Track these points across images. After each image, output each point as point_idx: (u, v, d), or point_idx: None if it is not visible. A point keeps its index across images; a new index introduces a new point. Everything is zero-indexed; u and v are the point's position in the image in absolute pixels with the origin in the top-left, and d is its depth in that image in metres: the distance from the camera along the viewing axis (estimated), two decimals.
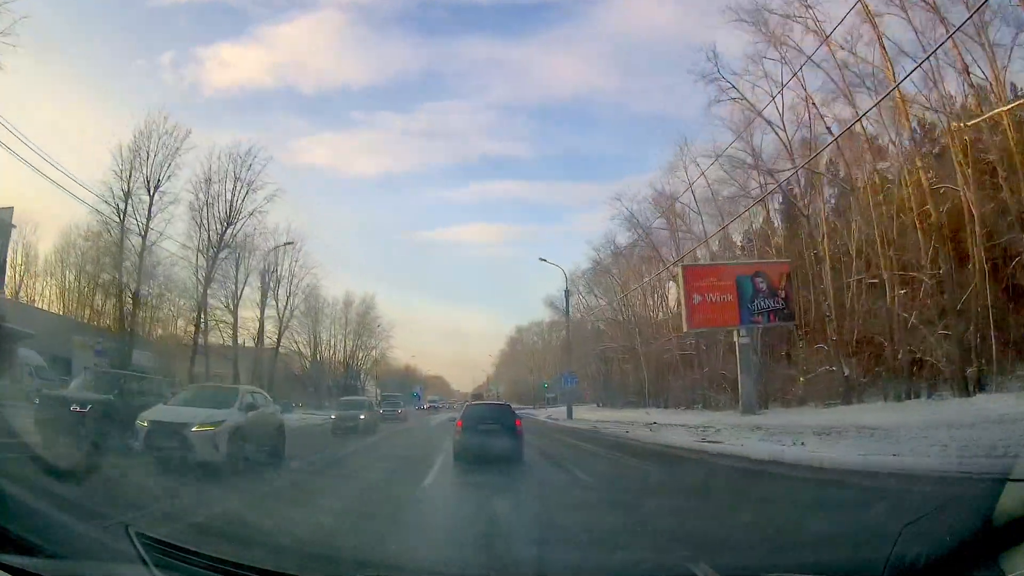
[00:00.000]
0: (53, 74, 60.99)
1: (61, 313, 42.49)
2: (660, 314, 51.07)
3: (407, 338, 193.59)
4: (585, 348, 58.83)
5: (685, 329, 27.07)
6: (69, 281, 44.49)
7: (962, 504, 4.42)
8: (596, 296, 54.72)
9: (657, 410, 39.57)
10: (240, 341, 45.62)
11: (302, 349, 63.39)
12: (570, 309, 64.54)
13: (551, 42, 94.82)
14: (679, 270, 27.79)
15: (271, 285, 43.49)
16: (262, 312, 36.72)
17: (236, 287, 42.07)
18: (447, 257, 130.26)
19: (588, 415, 40.87)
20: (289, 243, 37.84)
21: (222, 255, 34.49)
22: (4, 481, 3.98)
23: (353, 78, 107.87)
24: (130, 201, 32.84)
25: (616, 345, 55.25)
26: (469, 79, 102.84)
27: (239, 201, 34.58)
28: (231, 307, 42.81)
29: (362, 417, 23.99)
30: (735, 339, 27.13)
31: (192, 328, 42.94)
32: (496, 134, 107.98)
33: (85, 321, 40.35)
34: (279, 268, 43.62)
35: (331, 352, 68.69)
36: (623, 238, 45.88)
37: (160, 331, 44.16)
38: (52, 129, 60.03)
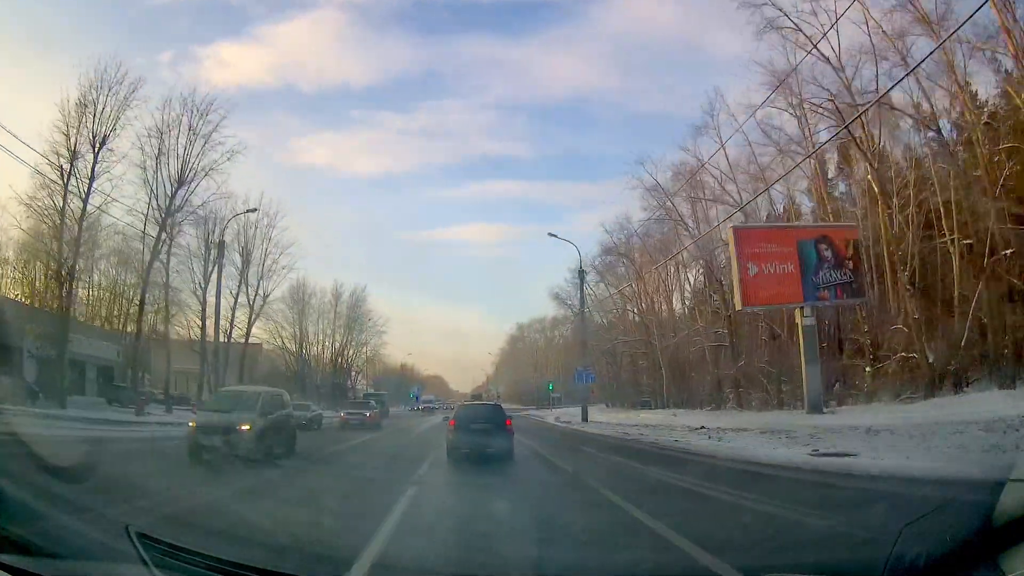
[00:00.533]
0: (51, 72, 57.51)
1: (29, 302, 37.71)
2: (678, 305, 46.20)
3: (406, 338, 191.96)
4: (593, 344, 53.65)
5: (739, 307, 21.87)
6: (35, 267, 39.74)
7: (962, 504, 3.90)
8: (607, 286, 49.21)
9: (682, 411, 34.42)
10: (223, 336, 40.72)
11: (287, 344, 58.44)
12: (573, 302, 59.92)
13: (550, 42, 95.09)
14: (729, 233, 22.50)
15: (242, 267, 38.21)
16: (218, 291, 31.21)
17: (205, 266, 37.11)
18: (447, 257, 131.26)
19: (603, 417, 35.73)
20: (252, 210, 32.40)
21: (172, 221, 29.06)
22: (4, 481, 3.79)
23: (353, 77, 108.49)
24: (76, 163, 27.97)
25: (629, 339, 50.10)
26: (469, 79, 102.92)
27: (193, 156, 29.24)
28: (199, 293, 37.86)
29: (243, 428, 11.46)
30: (797, 320, 21.98)
31: (186, 321, 38.37)
32: (496, 134, 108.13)
33: (38, 306, 35.43)
34: (248, 245, 38.33)
35: (320, 348, 63.52)
36: (640, 217, 40.76)
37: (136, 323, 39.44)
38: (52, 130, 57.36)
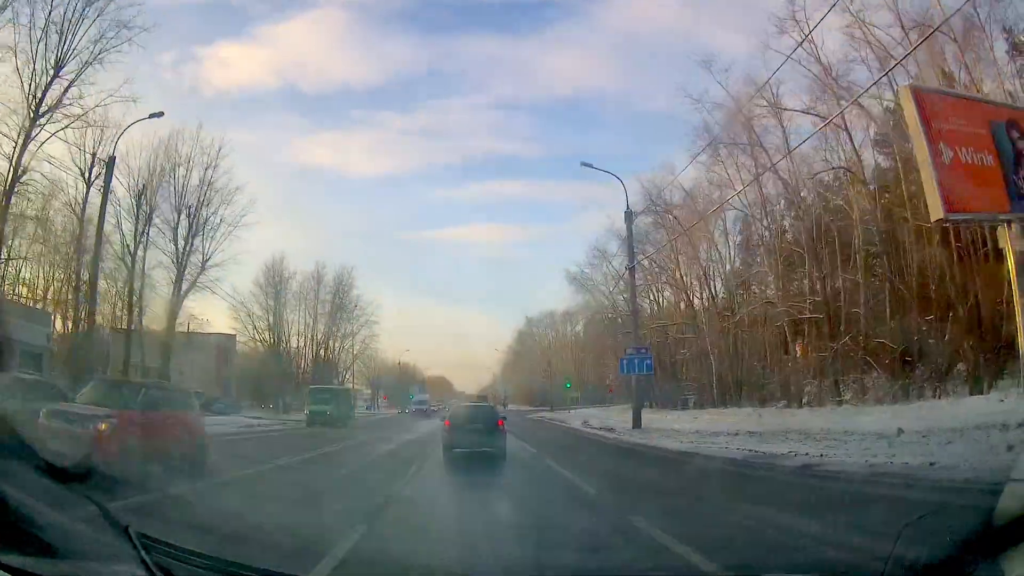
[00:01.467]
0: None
1: None
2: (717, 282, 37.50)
3: (409, 338, 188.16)
4: (617, 330, 45.00)
5: (940, 214, 12.84)
6: None
7: (962, 504, 4.19)
8: (642, 255, 40.03)
9: (765, 410, 25.83)
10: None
11: (261, 333, 50.20)
12: (593, 284, 50.96)
13: (554, 39, 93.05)
14: (905, 96, 13.35)
15: (177, 216, 29.88)
16: (99, 237, 21.99)
17: (136, 224, 28.93)
18: (449, 257, 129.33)
19: (653, 420, 26.94)
20: (157, 114, 23.20)
21: (44, 123, 20.25)
22: (4, 481, 3.33)
23: (354, 77, 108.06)
24: None
25: (662, 324, 41.37)
26: (471, 77, 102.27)
27: (80, 34, 20.63)
28: (128, 260, 29.57)
29: None
30: (1003, 243, 13.22)
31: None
32: (499, 133, 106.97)
33: None
34: (182, 192, 29.96)
35: (302, 340, 54.97)
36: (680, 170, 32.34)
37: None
38: None
